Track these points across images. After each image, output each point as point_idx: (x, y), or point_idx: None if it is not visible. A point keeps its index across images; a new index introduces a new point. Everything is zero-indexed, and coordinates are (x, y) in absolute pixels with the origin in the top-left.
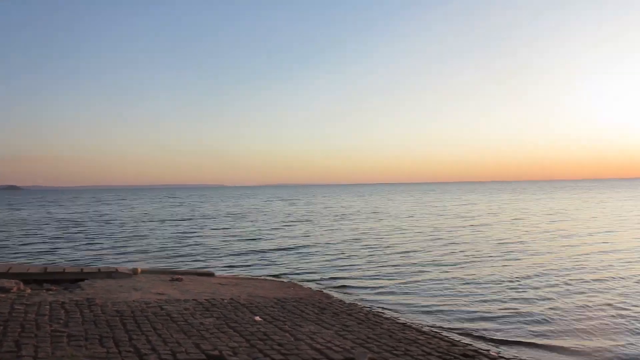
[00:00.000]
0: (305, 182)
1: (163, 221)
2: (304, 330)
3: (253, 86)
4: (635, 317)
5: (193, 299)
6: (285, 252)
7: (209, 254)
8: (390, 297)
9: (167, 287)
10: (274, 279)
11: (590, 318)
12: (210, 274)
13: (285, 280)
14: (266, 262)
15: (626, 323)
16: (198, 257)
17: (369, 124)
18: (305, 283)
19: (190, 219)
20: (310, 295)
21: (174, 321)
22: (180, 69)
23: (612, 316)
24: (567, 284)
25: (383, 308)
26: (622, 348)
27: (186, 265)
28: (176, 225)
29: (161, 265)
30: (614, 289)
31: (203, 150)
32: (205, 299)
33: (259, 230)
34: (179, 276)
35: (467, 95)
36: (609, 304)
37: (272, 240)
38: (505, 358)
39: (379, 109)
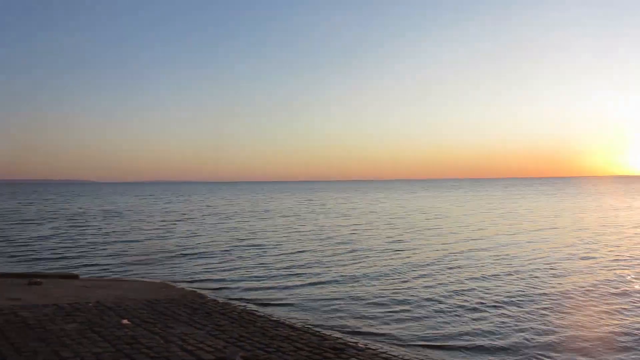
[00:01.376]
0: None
1: (25, 222)
2: (175, 332)
3: None
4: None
5: (53, 304)
6: (161, 253)
7: (75, 255)
8: (264, 296)
9: (23, 292)
10: (145, 280)
11: (453, 313)
12: (74, 276)
13: (157, 281)
14: (138, 263)
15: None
16: (63, 259)
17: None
18: (178, 284)
19: (56, 219)
20: (183, 296)
21: (31, 328)
22: None
23: (475, 309)
24: (421, 276)
25: (257, 306)
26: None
27: (48, 268)
28: (39, 225)
29: (18, 268)
30: (477, 283)
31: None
32: (67, 303)
33: (135, 230)
34: (38, 279)
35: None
36: (474, 299)
37: (148, 241)
38: (372, 349)
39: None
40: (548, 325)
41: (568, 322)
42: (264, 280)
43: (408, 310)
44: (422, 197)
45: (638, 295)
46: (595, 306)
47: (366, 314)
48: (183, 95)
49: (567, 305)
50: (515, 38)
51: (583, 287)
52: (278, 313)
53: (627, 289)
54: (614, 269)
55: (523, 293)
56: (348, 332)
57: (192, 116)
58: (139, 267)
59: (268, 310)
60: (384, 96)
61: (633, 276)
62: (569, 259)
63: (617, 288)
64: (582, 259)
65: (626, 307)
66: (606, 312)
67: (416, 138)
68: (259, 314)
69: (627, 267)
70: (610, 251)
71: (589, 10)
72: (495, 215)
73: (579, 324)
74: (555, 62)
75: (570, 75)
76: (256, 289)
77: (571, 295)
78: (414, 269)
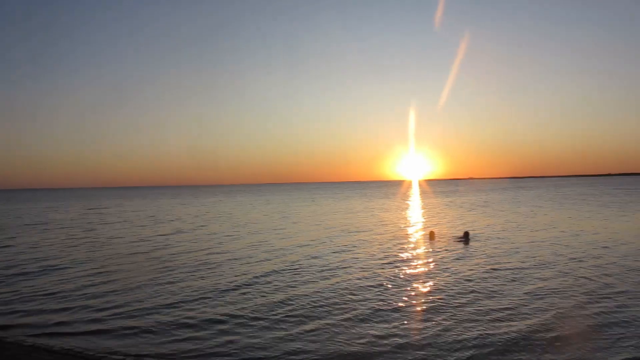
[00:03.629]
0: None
1: None
2: None
3: None
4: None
5: None
6: None
7: None
8: (20, 319)
9: None
10: None
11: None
12: None
13: None
14: None
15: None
16: None
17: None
18: None
19: None
20: None
21: None
22: None
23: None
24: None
25: (6, 330)
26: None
27: None
28: None
29: None
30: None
31: None
32: None
33: None
34: None
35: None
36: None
37: None
38: None
39: None
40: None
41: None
42: (17, 304)
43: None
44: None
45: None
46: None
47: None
48: None
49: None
50: None
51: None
52: (32, 338)
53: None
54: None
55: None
56: (113, 353)
57: None
58: None
59: (21, 336)
60: None
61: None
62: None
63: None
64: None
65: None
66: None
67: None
68: (8, 340)
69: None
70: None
71: None
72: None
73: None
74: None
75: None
76: (8, 314)
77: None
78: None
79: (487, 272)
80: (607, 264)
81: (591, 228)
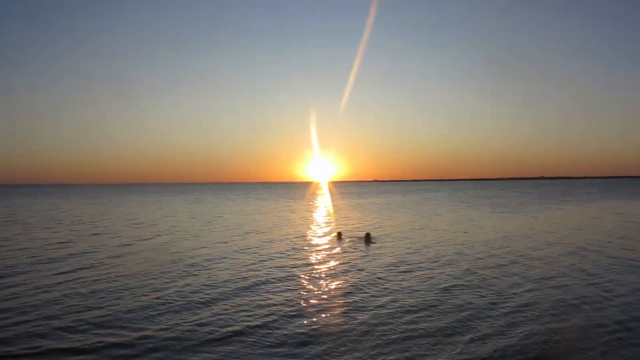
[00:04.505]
0: None
1: None
2: None
3: None
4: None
5: None
6: None
7: None
8: None
9: None
10: None
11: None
12: None
13: None
14: None
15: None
16: None
17: None
18: None
19: None
20: None
21: None
22: None
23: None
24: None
25: None
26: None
27: None
28: None
29: None
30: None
31: None
32: None
33: None
34: None
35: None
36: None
37: None
38: None
39: None
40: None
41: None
42: None
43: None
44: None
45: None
46: None
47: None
48: None
49: None
50: None
51: None
52: None
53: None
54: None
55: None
56: None
57: None
58: None
59: None
60: None
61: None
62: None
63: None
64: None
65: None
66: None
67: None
68: None
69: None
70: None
71: None
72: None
73: None
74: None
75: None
76: None
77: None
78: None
79: (391, 270)
80: (506, 263)
81: (488, 228)
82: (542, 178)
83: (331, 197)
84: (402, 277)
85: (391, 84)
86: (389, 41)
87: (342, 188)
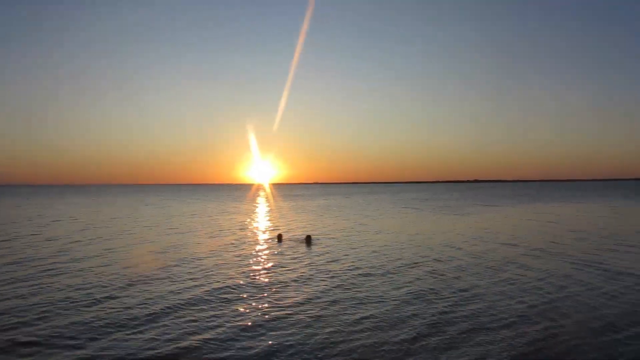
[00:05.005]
0: None
1: None
2: None
3: None
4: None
5: None
6: None
7: None
8: None
9: None
10: None
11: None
12: None
13: None
14: None
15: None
16: None
17: None
18: None
19: None
20: None
21: None
22: None
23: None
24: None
25: None
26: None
27: None
28: None
29: None
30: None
31: None
32: None
33: None
34: None
35: None
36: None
37: None
38: None
39: None
40: None
41: None
42: None
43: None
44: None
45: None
46: None
47: None
48: None
49: None
50: None
51: None
52: None
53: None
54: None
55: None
56: None
57: None
58: None
59: None
60: None
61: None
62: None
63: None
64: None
65: None
66: None
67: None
68: None
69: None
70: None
71: None
72: None
73: None
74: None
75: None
76: None
77: None
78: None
79: (332, 271)
80: (445, 259)
81: (428, 229)
82: (477, 181)
83: (272, 199)
84: (344, 278)
85: (328, 88)
86: (325, 47)
87: (284, 190)
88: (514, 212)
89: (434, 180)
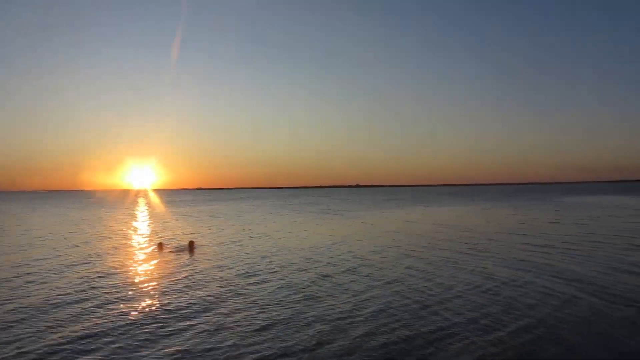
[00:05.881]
0: None
1: None
2: None
3: None
4: None
5: None
6: None
7: None
8: None
9: None
10: None
11: None
12: None
13: None
14: None
15: None
16: None
17: None
18: None
19: None
20: None
21: None
22: None
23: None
24: None
25: None
26: None
27: None
28: None
29: None
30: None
31: None
32: None
33: None
34: None
35: None
36: None
37: None
38: None
39: None
40: None
41: None
42: None
43: None
44: None
45: None
46: None
47: None
48: None
49: None
50: None
51: None
52: None
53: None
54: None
55: None
56: None
57: None
58: None
59: None
60: None
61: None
62: None
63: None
64: None
65: None
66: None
67: None
68: None
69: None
70: None
71: None
72: None
73: None
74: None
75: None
76: None
77: None
78: None
79: (217, 278)
80: (328, 263)
81: (315, 232)
82: (358, 186)
83: (153, 205)
84: (236, 284)
85: (209, 93)
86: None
87: (166, 196)
88: (395, 214)
89: (319, 185)
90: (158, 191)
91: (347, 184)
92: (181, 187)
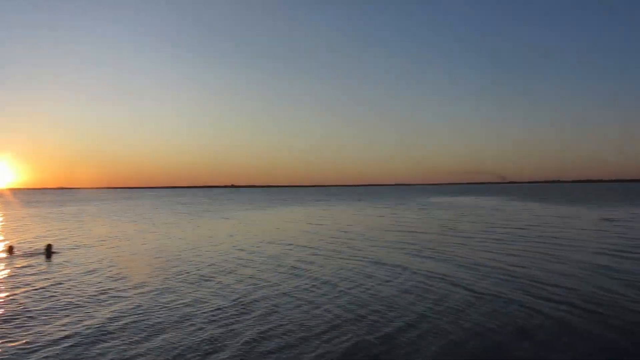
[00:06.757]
0: None
1: None
2: None
3: None
4: None
5: None
6: None
7: None
8: None
9: None
10: None
11: None
12: None
13: None
14: None
15: None
16: None
17: None
18: None
19: None
20: None
21: None
22: None
23: None
24: None
25: None
26: None
27: None
28: None
29: None
30: None
31: None
32: None
33: None
34: None
35: None
36: None
37: None
38: None
39: None
40: None
41: None
42: None
43: None
44: None
45: None
46: None
47: None
48: None
49: None
50: None
51: None
52: None
53: None
54: None
55: None
56: None
57: None
58: None
59: None
60: None
61: None
62: None
63: None
64: None
65: None
66: None
67: None
68: None
69: None
70: None
71: None
72: None
73: None
74: None
75: None
76: None
77: None
78: None
79: (76, 286)
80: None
81: (181, 233)
82: (233, 186)
83: (7, 205)
84: (91, 292)
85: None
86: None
87: (25, 196)
88: (283, 213)
89: (191, 185)
90: (16, 191)
91: (222, 184)
92: (44, 187)
